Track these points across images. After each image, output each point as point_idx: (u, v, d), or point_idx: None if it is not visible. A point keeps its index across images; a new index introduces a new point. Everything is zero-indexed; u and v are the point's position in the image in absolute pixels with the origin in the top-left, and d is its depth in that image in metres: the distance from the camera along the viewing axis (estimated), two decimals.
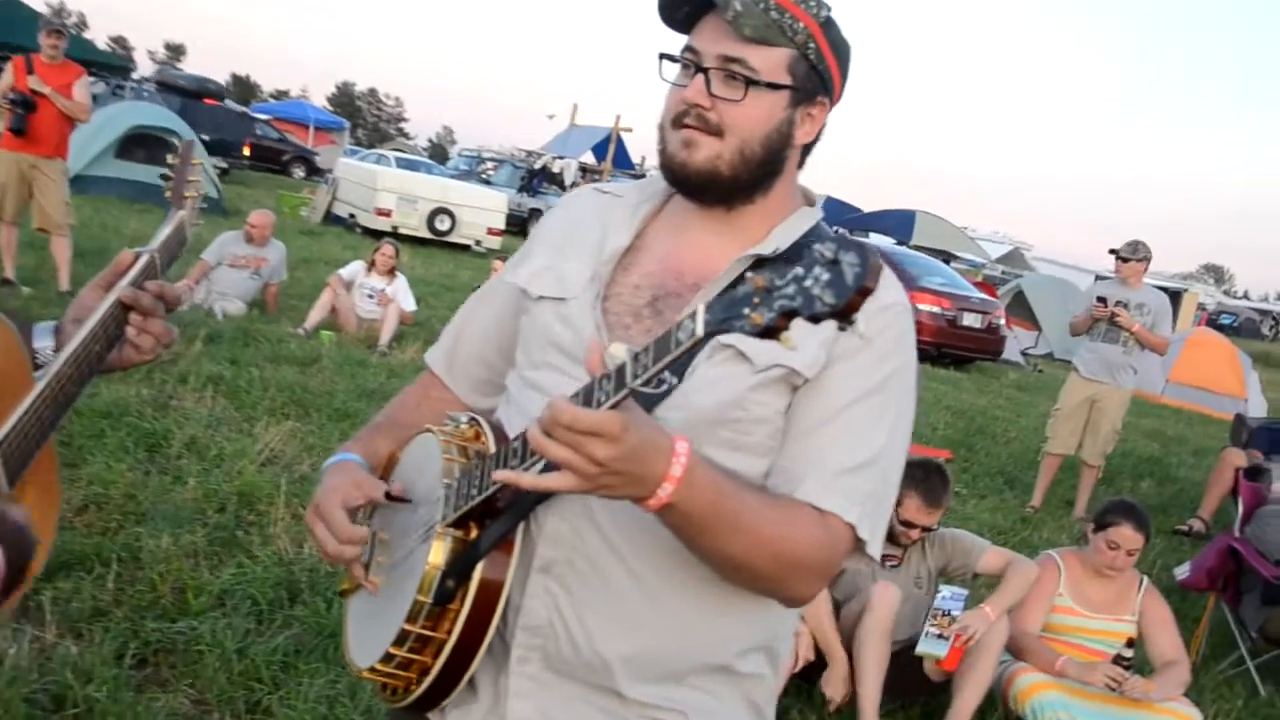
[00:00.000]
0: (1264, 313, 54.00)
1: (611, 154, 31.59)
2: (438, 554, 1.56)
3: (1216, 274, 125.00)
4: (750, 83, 1.61)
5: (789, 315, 1.12)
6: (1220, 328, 37.21)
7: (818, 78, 1.67)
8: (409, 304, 11.06)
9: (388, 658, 1.58)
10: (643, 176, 32.09)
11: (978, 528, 7.23)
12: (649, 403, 1.54)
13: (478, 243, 21.71)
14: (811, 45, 1.64)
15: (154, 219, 15.46)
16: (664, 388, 1.30)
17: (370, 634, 1.69)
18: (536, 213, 27.76)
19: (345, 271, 10.95)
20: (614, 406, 1.30)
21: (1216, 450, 12.58)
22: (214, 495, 5.44)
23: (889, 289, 1.64)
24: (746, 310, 1.15)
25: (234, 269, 10.56)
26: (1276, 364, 34.94)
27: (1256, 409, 16.30)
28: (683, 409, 1.56)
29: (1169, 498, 10.20)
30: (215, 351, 8.47)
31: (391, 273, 11.05)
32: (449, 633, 1.55)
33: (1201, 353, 17.87)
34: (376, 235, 18.93)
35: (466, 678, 1.59)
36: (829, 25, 1.67)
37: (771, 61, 1.63)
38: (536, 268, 1.79)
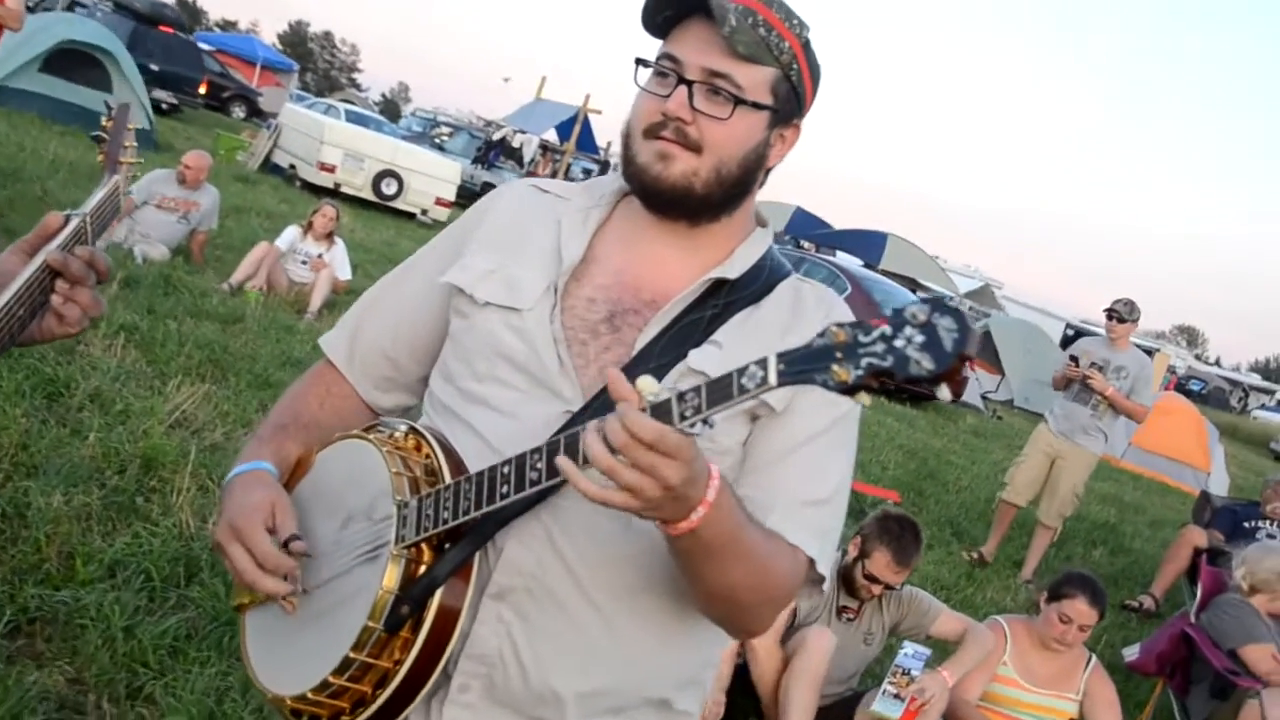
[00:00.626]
0: (1234, 383, 55.03)
1: (576, 135, 31.48)
2: (391, 577, 1.53)
3: (1190, 336, 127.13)
4: (738, 101, 1.65)
5: (880, 375, 1.15)
6: (1188, 393, 37.91)
7: (795, 99, 1.73)
8: (344, 272, 10.99)
9: (324, 686, 1.55)
10: (606, 164, 31.96)
11: (920, 579, 7.29)
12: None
13: (424, 212, 21.57)
14: (795, 67, 1.69)
15: (77, 144, 15.27)
16: (700, 432, 1.31)
17: (291, 658, 1.65)
18: (489, 187, 27.59)
19: (281, 241, 10.81)
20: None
21: (1174, 523, 12.82)
22: (115, 455, 5.34)
23: (843, 319, 1.66)
24: (831, 365, 1.18)
25: (161, 211, 10.37)
26: (1244, 437, 35.68)
27: (1219, 483, 16.60)
28: None
29: (1121, 569, 10.34)
30: (131, 298, 8.33)
31: (330, 237, 10.96)
32: (397, 662, 1.53)
33: (1168, 419, 18.11)
34: (316, 192, 18.87)
35: (410, 708, 1.57)
36: (808, 46, 1.72)
37: (757, 80, 1.67)
38: (480, 270, 1.76)
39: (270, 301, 9.97)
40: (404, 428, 1.69)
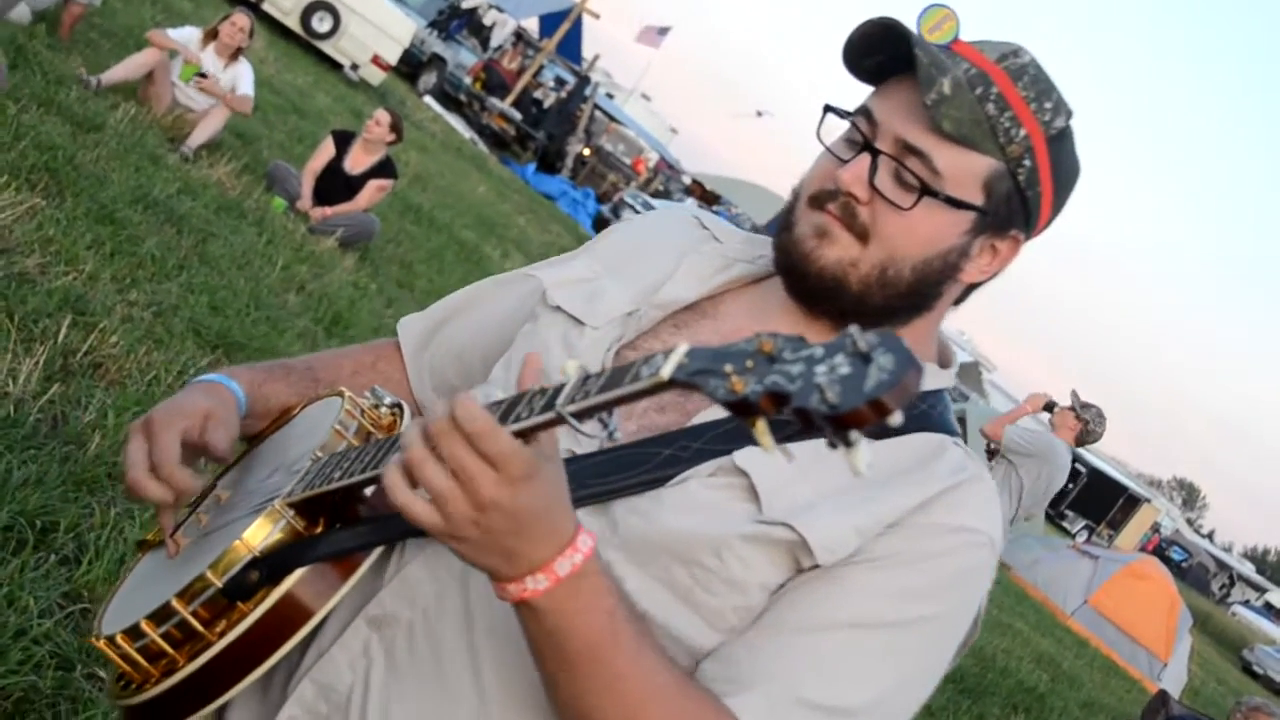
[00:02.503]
0: (1222, 565, 56.33)
1: (561, 34, 31.28)
2: (257, 533, 1.50)
3: (1188, 494, 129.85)
4: (925, 191, 1.55)
5: (776, 399, 1.05)
6: (1166, 560, 38.69)
7: (1020, 204, 1.61)
8: (247, 87, 10.79)
9: (136, 633, 1.52)
10: (587, 80, 31.84)
11: None
12: (588, 473, 1.49)
13: (354, 67, 21.33)
14: (1026, 163, 1.58)
15: None
16: (602, 433, 1.24)
17: (136, 601, 1.63)
18: (438, 61, 27.36)
19: (176, 34, 10.58)
20: (525, 433, 1.24)
21: (1111, 712, 13.05)
22: None
23: (975, 509, 1.57)
24: (730, 369, 1.08)
25: None
26: (1214, 632, 36.54)
27: (1173, 679, 16.95)
28: (645, 518, 1.50)
29: None
30: None
31: (236, 56, 10.78)
32: (220, 635, 1.48)
33: (1138, 587, 18.43)
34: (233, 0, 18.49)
35: (214, 705, 1.51)
36: (1060, 140, 1.61)
37: (964, 169, 1.57)
38: (572, 274, 1.76)
39: (141, 118, 9.74)
40: (390, 401, 1.68)
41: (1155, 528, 46.68)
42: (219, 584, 1.48)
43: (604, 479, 1.51)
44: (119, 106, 9.53)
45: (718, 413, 1.55)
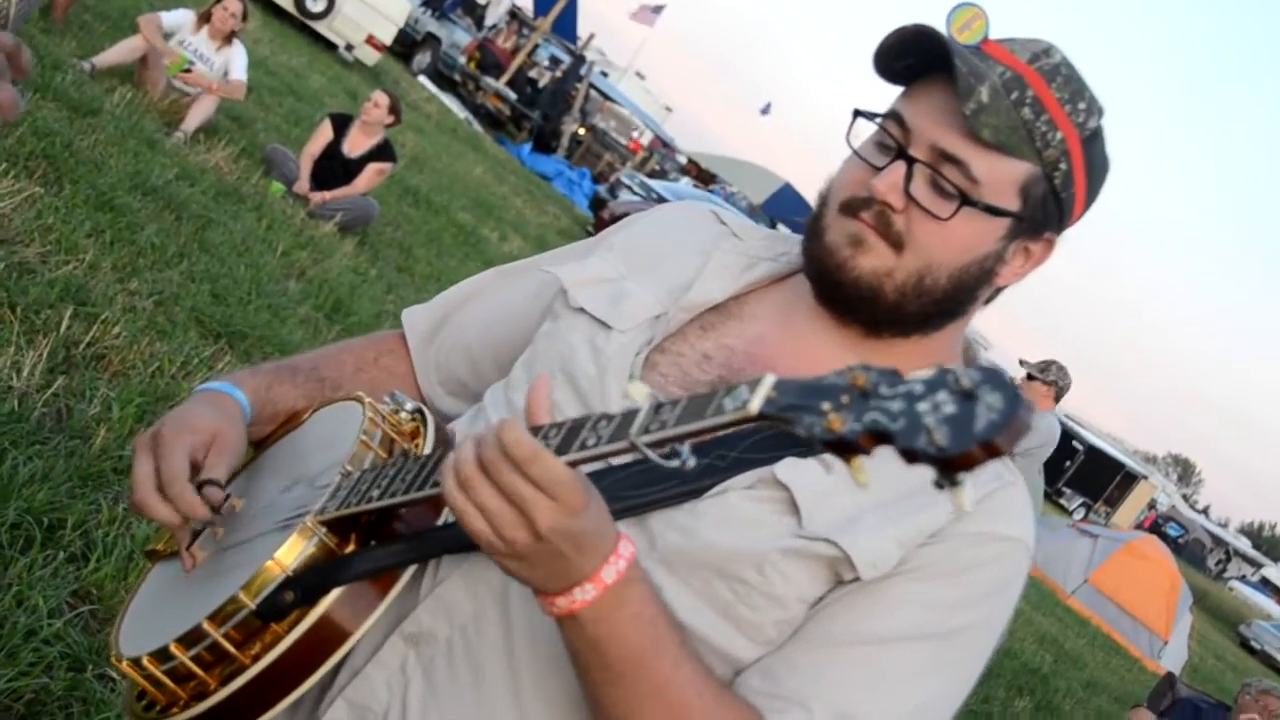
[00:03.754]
0: (1219, 541, 56.47)
1: (557, 13, 31.13)
2: (290, 552, 1.46)
3: (1184, 470, 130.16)
4: (964, 200, 1.52)
5: (878, 437, 1.02)
6: (1163, 536, 38.78)
7: (1055, 206, 1.58)
8: (240, 72, 10.74)
9: (164, 656, 1.49)
10: (582, 59, 31.74)
11: None
12: (624, 485, 1.47)
13: (349, 48, 21.25)
14: (1063, 166, 1.55)
15: None
16: (674, 463, 1.20)
17: (159, 616, 1.61)
18: (433, 40, 27.25)
19: (167, 18, 10.53)
20: (580, 463, 1.23)
21: (1112, 692, 13.11)
22: None
23: (1012, 517, 1.56)
24: (827, 406, 1.05)
25: None
26: (1211, 608, 36.65)
27: (1174, 657, 17.00)
28: (684, 533, 1.49)
29: None
30: None
31: (230, 39, 10.73)
32: (255, 658, 1.45)
33: (1139, 566, 18.47)
34: None
35: None
36: (1093, 140, 1.58)
37: (1001, 176, 1.53)
38: (594, 273, 1.73)
39: (138, 102, 9.68)
40: (411, 407, 1.65)
41: (1152, 504, 46.82)
42: (252, 606, 1.45)
43: (640, 491, 1.49)
44: (115, 90, 9.48)
45: None
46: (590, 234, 20.56)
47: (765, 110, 49.19)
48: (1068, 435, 31.74)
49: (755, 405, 1.09)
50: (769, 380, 1.10)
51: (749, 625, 1.50)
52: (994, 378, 1.00)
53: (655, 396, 1.21)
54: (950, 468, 0.99)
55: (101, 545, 3.94)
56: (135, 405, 4.90)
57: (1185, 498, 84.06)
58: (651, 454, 1.17)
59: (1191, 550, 50.30)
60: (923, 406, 1.01)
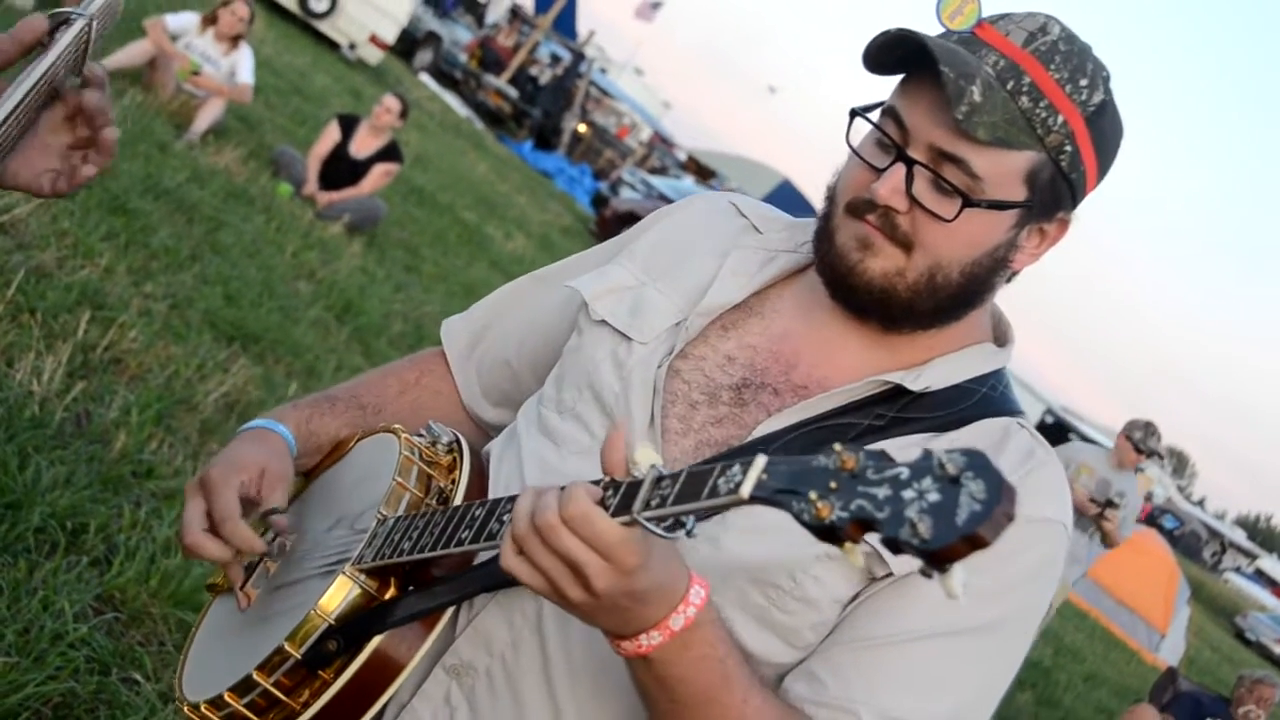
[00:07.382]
0: (1214, 533, 56.37)
1: (557, 10, 31.11)
2: (332, 600, 1.49)
3: (1178, 462, 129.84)
4: (968, 201, 1.51)
5: (863, 525, 1.05)
6: (1159, 528, 38.65)
7: (1065, 187, 1.56)
8: (247, 75, 10.73)
9: (219, 704, 1.53)
10: (582, 56, 31.68)
11: None
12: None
13: (352, 47, 21.21)
14: (1068, 148, 1.53)
15: None
16: (678, 534, 1.23)
17: (217, 660, 1.64)
18: (434, 39, 27.19)
19: (173, 20, 10.50)
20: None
21: (1112, 685, 13.12)
22: None
23: (1048, 497, 1.55)
24: (814, 494, 1.08)
25: None
26: (1207, 599, 36.58)
27: (1172, 650, 16.99)
28: (714, 544, 1.50)
29: None
30: None
31: (236, 41, 10.69)
32: (305, 705, 1.49)
33: (1138, 560, 18.37)
34: None
35: None
36: (1099, 114, 1.55)
37: (1004, 169, 1.52)
38: (614, 283, 1.72)
39: (148, 105, 9.67)
40: (448, 438, 1.66)
41: (1148, 496, 46.66)
42: (298, 655, 1.48)
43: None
44: (125, 93, 9.46)
45: (776, 423, 1.56)
46: (593, 232, 20.69)
47: (773, 90, 49.31)
48: (1063, 429, 31.66)
49: (747, 490, 1.13)
50: (759, 463, 1.14)
51: (786, 630, 1.52)
52: (977, 461, 1.02)
53: (657, 468, 1.23)
54: (934, 561, 1.01)
55: (124, 549, 3.95)
56: (153, 409, 4.91)
57: (1180, 489, 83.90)
58: (655, 529, 1.21)
59: (1187, 542, 50.14)
60: (908, 494, 1.03)
